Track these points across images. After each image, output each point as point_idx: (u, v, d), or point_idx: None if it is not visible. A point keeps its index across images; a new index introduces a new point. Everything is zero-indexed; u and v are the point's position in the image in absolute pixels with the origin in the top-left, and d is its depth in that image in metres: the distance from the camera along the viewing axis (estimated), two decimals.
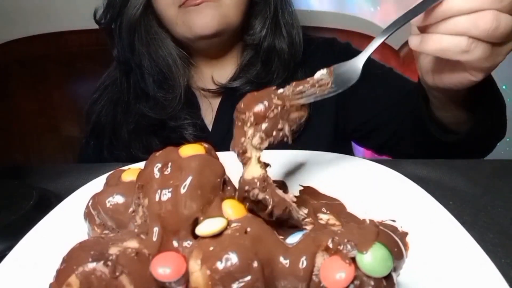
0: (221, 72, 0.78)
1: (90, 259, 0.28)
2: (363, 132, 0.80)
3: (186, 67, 0.76)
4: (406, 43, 1.16)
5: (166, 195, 0.31)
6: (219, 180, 0.33)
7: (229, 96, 0.77)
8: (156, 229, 0.30)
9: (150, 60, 0.74)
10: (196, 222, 0.30)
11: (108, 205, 0.35)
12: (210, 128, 0.78)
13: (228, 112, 0.76)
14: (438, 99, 0.56)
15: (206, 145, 0.37)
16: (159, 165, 0.33)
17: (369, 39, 1.05)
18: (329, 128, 0.78)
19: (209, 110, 0.79)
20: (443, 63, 0.48)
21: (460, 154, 0.64)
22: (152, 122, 0.75)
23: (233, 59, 0.79)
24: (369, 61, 0.45)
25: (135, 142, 0.76)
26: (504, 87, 1.23)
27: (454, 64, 0.46)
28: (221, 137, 0.76)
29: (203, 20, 0.67)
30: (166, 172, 0.32)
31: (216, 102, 0.79)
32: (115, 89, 0.80)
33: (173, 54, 0.74)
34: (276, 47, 0.74)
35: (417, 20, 0.42)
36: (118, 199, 0.35)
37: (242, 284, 0.27)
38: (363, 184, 0.49)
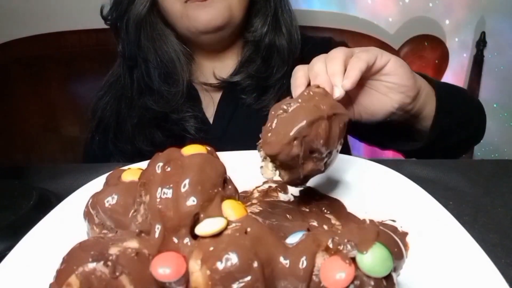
0: (222, 67, 0.80)
1: (90, 259, 0.28)
2: (362, 130, 0.80)
3: (189, 62, 0.79)
4: (406, 43, 1.17)
5: (167, 191, 0.31)
6: (220, 178, 0.33)
7: (230, 91, 0.80)
8: (158, 227, 0.31)
9: (155, 55, 0.76)
10: (196, 221, 0.30)
11: (106, 204, 0.35)
12: (211, 121, 0.81)
13: (229, 105, 0.80)
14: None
15: (208, 147, 0.37)
16: (161, 164, 0.33)
17: (369, 39, 1.05)
18: None
19: (210, 104, 0.81)
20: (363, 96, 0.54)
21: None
22: (155, 115, 0.77)
23: (234, 55, 0.81)
24: None
25: (139, 135, 0.78)
26: (495, 105, 1.23)
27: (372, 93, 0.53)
28: (222, 129, 0.79)
29: (208, 14, 0.69)
30: (167, 170, 0.32)
31: (217, 96, 0.81)
32: (118, 85, 0.82)
33: (177, 50, 0.77)
34: (276, 43, 0.77)
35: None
36: (117, 199, 0.35)
37: (242, 284, 0.27)
38: (363, 184, 0.49)
